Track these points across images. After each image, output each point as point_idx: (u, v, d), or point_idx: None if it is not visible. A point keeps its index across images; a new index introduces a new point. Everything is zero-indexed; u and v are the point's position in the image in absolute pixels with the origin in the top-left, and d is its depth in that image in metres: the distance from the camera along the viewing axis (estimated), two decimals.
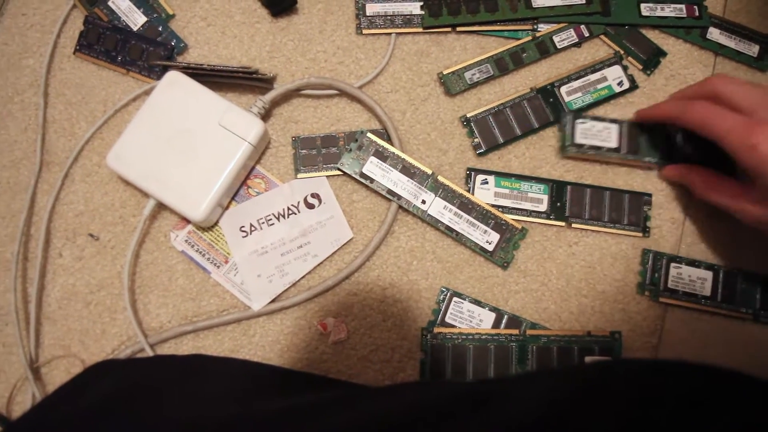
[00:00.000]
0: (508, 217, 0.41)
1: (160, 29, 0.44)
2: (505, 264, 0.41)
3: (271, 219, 0.42)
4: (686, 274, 0.41)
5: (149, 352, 0.39)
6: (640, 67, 0.44)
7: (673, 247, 0.42)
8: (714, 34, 0.45)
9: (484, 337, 0.40)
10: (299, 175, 0.42)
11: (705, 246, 0.42)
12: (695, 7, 0.45)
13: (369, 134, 0.41)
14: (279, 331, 0.41)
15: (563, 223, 0.42)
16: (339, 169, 0.41)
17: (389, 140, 0.42)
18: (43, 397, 0.39)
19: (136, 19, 0.44)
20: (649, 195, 0.42)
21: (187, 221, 0.41)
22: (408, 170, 0.41)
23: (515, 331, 0.40)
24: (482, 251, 0.41)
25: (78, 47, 0.43)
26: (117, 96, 0.43)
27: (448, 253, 0.42)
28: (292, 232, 0.41)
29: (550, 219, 0.42)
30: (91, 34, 0.43)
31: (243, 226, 0.41)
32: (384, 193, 0.41)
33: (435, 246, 0.42)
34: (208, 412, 0.33)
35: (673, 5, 0.45)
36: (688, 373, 0.28)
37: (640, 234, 0.42)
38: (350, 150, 0.41)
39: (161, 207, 0.41)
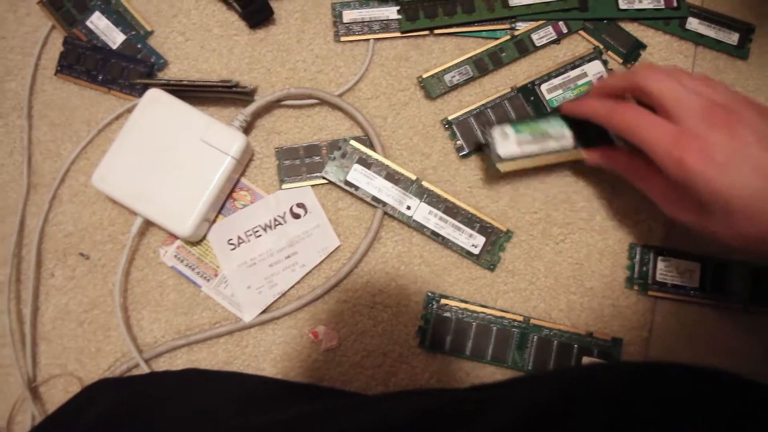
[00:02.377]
0: (494, 221, 0.41)
1: (139, 46, 0.44)
2: (491, 266, 0.41)
3: (258, 231, 0.42)
4: (674, 266, 0.42)
5: (144, 368, 0.40)
6: (620, 60, 0.44)
7: (662, 239, 0.42)
8: (693, 23, 0.45)
9: (488, 316, 0.40)
10: (284, 186, 0.42)
11: (692, 238, 0.42)
12: None
13: (352, 142, 0.42)
14: (271, 341, 0.41)
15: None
16: (324, 178, 0.42)
17: (372, 147, 0.42)
18: (43, 417, 0.40)
19: (115, 38, 0.44)
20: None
21: (176, 237, 0.42)
22: (392, 176, 0.41)
23: (520, 318, 0.41)
24: (468, 255, 0.41)
25: (59, 68, 0.44)
26: (100, 115, 0.44)
27: (435, 256, 0.42)
28: (280, 242, 0.42)
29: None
30: (71, 55, 0.43)
31: (231, 239, 0.42)
32: (369, 200, 0.41)
33: (422, 250, 0.42)
34: (204, 426, 0.34)
35: None
36: (670, 375, 0.28)
37: None
38: (334, 158, 0.42)
39: (149, 223, 0.42)
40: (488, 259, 0.41)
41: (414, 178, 0.41)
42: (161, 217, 0.40)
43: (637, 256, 0.42)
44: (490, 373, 0.41)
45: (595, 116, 0.37)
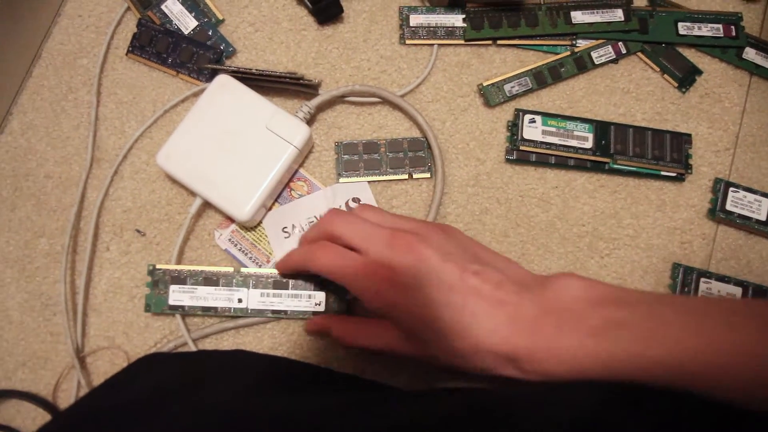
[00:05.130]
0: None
1: (210, 33, 0.45)
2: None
3: (312, 221, 0.43)
4: (716, 290, 0.42)
5: (192, 347, 0.40)
6: (676, 84, 0.45)
7: (704, 262, 0.43)
8: (750, 53, 0.46)
9: None
10: (341, 180, 0.43)
11: (735, 262, 0.43)
12: (732, 27, 0.46)
13: (158, 266, 0.41)
14: None
15: (609, 159, 0.43)
16: (148, 311, 0.41)
17: (429, 148, 0.43)
18: (88, 387, 0.40)
19: (188, 23, 0.45)
20: (689, 135, 0.44)
21: (232, 220, 0.43)
22: (210, 279, 0.41)
23: None
24: (317, 315, 0.40)
25: (131, 48, 0.45)
26: (166, 97, 0.45)
27: None
28: None
29: (596, 155, 0.43)
30: (144, 37, 0.44)
31: (285, 227, 0.43)
32: (200, 313, 0.41)
33: None
34: (251, 405, 0.34)
35: (710, 25, 0.46)
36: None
37: (683, 171, 0.44)
38: (149, 289, 0.41)
39: (206, 206, 0.43)
40: (336, 309, 0.40)
41: (231, 270, 0.41)
42: (221, 199, 0.40)
43: (680, 277, 0.43)
44: None
45: (300, 265, 0.38)
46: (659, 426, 0.27)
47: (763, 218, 0.43)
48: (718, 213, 0.43)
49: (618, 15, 0.46)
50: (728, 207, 0.43)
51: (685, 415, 0.27)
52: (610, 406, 0.29)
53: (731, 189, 0.44)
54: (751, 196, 0.44)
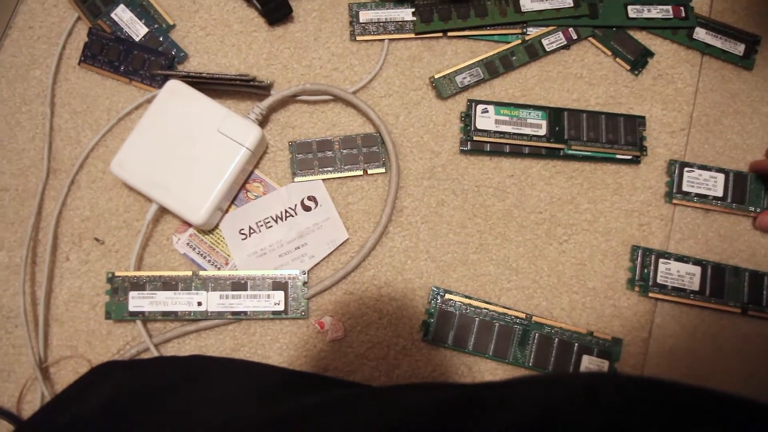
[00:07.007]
0: (279, 271, 0.41)
1: (161, 39, 0.45)
2: (303, 313, 0.41)
3: (269, 221, 0.43)
4: (675, 270, 0.42)
5: (154, 352, 0.41)
6: (628, 67, 0.45)
7: (663, 243, 0.43)
8: (700, 33, 0.46)
9: (491, 313, 0.41)
10: (296, 179, 0.43)
11: (694, 242, 0.43)
12: (681, 7, 0.46)
13: (117, 273, 0.41)
14: (278, 330, 0.42)
15: (563, 146, 0.43)
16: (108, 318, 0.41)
17: (383, 143, 0.43)
18: (51, 397, 0.40)
19: (138, 30, 0.45)
20: (643, 117, 0.44)
21: (189, 225, 0.43)
22: (169, 284, 0.41)
23: (522, 315, 0.41)
24: (276, 314, 0.41)
25: (82, 58, 0.45)
26: (120, 105, 0.45)
27: (441, 252, 0.43)
28: (290, 234, 0.43)
29: (551, 142, 0.43)
30: (95, 45, 0.45)
31: (242, 229, 0.43)
32: (160, 317, 0.41)
33: (428, 246, 0.43)
34: (210, 415, 0.34)
35: (659, 6, 0.46)
36: (682, 394, 0.28)
37: (638, 153, 0.44)
38: (109, 297, 0.41)
39: (163, 211, 0.43)
40: (296, 307, 0.41)
41: (190, 273, 0.41)
42: (176, 204, 0.41)
43: (639, 259, 0.43)
44: (491, 368, 0.41)
45: None
46: (615, 418, 0.27)
47: (720, 194, 0.43)
48: (675, 195, 0.43)
49: (567, 1, 0.46)
50: (685, 188, 0.44)
51: (637, 407, 0.27)
52: (567, 400, 0.29)
53: (686, 169, 0.44)
54: (706, 174, 0.44)
